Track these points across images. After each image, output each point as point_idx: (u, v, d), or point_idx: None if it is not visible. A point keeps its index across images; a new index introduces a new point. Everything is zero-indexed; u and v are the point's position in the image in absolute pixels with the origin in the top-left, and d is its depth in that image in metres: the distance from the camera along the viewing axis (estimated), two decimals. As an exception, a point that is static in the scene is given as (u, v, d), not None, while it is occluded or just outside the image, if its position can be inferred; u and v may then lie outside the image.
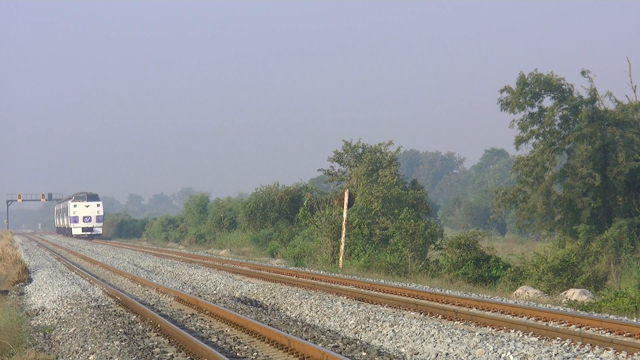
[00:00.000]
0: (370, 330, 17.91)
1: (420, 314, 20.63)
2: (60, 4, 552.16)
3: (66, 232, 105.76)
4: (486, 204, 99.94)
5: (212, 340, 16.54)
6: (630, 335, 16.49)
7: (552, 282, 31.32)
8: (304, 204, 51.13)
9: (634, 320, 18.48)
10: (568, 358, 13.82)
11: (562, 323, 18.08)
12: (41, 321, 21.16)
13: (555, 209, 41.82)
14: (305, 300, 22.41)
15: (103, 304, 22.72)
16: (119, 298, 24.27)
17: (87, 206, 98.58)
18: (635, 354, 14.50)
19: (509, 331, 17.48)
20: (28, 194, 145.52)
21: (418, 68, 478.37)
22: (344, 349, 15.43)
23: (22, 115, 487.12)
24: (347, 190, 39.55)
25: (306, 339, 16.22)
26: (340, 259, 38.98)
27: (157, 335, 17.34)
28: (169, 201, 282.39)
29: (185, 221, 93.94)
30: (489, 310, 20.46)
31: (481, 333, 16.25)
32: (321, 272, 35.15)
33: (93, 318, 19.69)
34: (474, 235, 36.43)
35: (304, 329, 17.96)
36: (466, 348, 15.06)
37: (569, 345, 15.55)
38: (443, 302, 22.34)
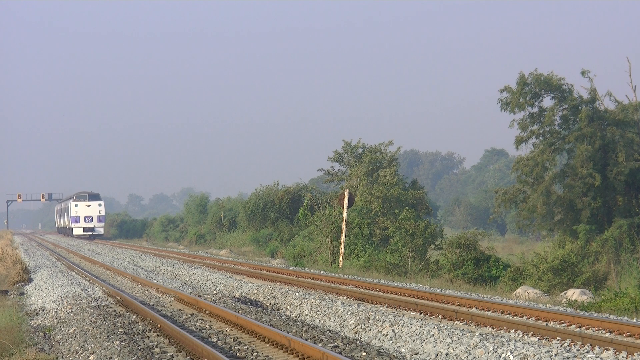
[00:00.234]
0: (370, 330, 17.91)
1: (420, 314, 20.63)
2: (60, 4, 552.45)
3: (67, 232, 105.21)
4: (486, 204, 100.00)
5: (212, 340, 16.54)
6: (630, 335, 16.49)
7: (552, 282, 31.33)
8: (304, 204, 51.17)
9: (634, 320, 18.47)
10: (568, 358, 13.82)
11: (562, 323, 18.08)
12: (41, 321, 21.16)
13: (555, 209, 41.84)
14: (305, 300, 22.41)
15: (103, 304, 22.71)
16: (119, 298, 24.27)
17: (89, 206, 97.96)
18: (635, 354, 14.50)
19: (509, 331, 17.48)
20: (28, 194, 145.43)
21: (418, 68, 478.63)
22: (344, 349, 15.43)
23: (22, 115, 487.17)
24: (347, 190, 39.55)
25: (306, 339, 16.22)
26: (340, 259, 38.98)
27: (157, 335, 17.34)
28: (169, 201, 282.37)
29: (185, 221, 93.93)
30: (489, 310, 20.46)
31: (481, 333, 16.25)
32: (321, 272, 35.15)
33: (93, 318, 19.69)
34: (474, 235, 36.44)
35: (304, 329, 17.96)
36: (466, 348, 15.06)
37: (569, 345, 15.55)
38: (443, 302, 22.34)
